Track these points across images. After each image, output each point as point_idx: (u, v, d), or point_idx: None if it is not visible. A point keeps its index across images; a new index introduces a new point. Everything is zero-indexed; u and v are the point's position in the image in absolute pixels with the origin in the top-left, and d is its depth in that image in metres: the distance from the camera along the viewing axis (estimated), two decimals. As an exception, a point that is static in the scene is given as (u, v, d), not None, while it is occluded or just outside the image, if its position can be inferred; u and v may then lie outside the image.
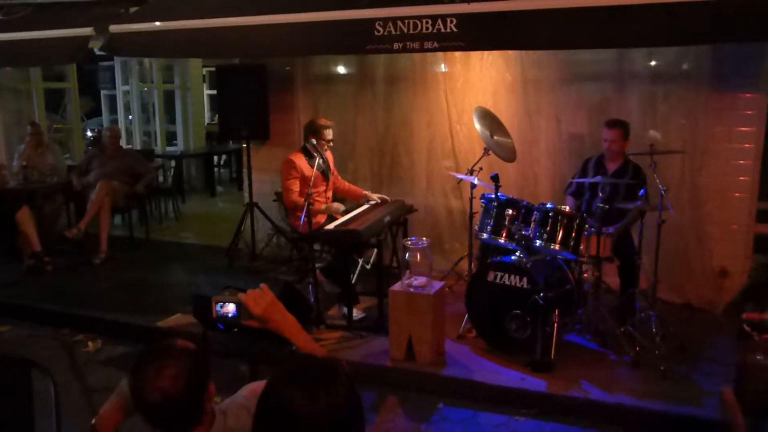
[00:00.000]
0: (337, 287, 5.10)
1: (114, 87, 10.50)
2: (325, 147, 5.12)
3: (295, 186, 5.06)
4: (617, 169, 4.72)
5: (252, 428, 1.43)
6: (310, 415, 1.35)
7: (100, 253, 6.59)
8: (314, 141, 4.98)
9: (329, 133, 5.10)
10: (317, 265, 5.05)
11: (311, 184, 4.68)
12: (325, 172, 5.22)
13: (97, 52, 5.91)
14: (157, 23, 5.38)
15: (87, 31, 5.66)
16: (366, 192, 5.45)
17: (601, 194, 4.39)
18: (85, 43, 5.74)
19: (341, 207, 5.21)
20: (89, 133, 11.57)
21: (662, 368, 4.01)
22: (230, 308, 1.89)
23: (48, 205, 7.17)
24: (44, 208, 7.03)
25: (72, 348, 4.89)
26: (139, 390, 1.61)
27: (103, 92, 11.64)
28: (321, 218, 5.09)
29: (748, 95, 5.02)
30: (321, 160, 4.96)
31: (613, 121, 4.71)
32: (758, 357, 2.79)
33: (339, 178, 5.53)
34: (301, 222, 4.59)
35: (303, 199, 4.72)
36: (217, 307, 1.90)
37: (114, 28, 5.48)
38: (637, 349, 4.19)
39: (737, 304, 4.80)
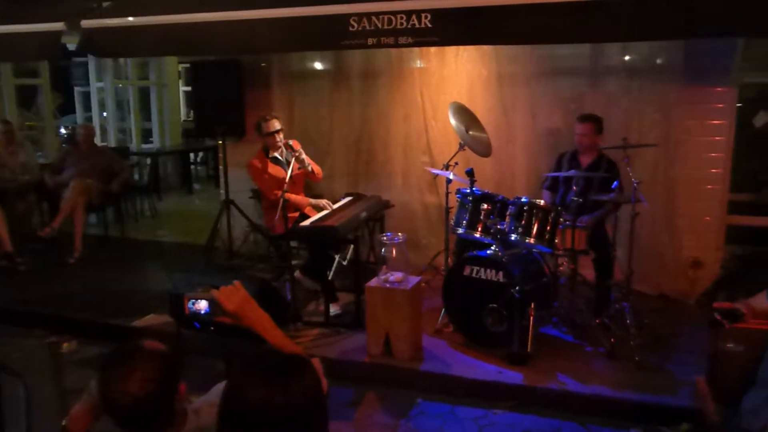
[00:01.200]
0: (316, 284, 5.08)
1: (88, 83, 10.36)
2: (278, 138, 5.04)
3: (270, 183, 5.02)
4: (591, 162, 4.76)
5: (217, 424, 1.43)
6: (265, 405, 1.36)
7: (74, 252, 6.50)
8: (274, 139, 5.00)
9: (272, 125, 5.04)
10: (294, 262, 5.03)
11: (286, 183, 4.65)
12: (284, 167, 5.08)
13: (70, 48, 5.80)
14: (131, 18, 5.31)
15: (58, 26, 5.55)
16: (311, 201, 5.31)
17: (575, 188, 4.43)
18: (57, 39, 5.63)
19: (327, 203, 5.18)
20: (63, 131, 11.40)
21: (637, 359, 4.06)
22: (202, 305, 1.88)
23: (20, 204, 7.05)
24: (16, 207, 6.92)
25: (45, 350, 4.82)
26: (107, 394, 1.58)
27: (76, 89, 11.46)
28: (296, 214, 5.07)
29: (719, 89, 5.11)
30: (288, 152, 4.90)
31: (585, 116, 4.78)
32: (729, 345, 2.84)
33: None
34: (275, 221, 4.54)
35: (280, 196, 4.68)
36: (190, 304, 1.89)
37: (86, 23, 5.39)
38: (612, 340, 4.24)
39: (710, 294, 4.88)
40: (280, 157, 5.16)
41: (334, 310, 4.84)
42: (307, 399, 1.40)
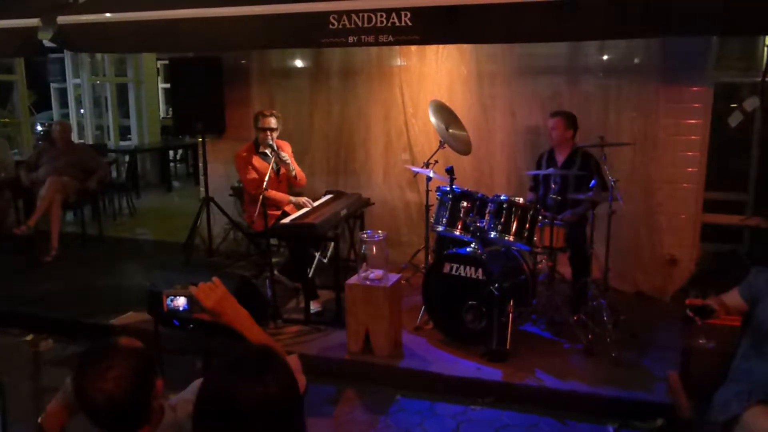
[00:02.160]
0: (296, 283, 5.07)
1: (64, 80, 10.22)
2: (270, 137, 4.99)
3: (254, 176, 5.01)
4: (565, 159, 4.82)
5: (192, 420, 1.43)
6: (237, 400, 1.36)
7: (50, 250, 6.41)
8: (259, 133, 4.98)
9: (268, 122, 5.00)
10: (274, 259, 5.02)
11: (266, 181, 4.62)
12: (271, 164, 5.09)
13: (46, 44, 5.71)
14: (108, 15, 5.26)
15: (33, 22, 5.46)
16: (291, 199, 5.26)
17: (553, 185, 4.47)
18: (33, 35, 5.55)
19: (307, 200, 5.17)
20: (39, 128, 11.24)
21: (614, 355, 4.11)
22: (181, 302, 1.88)
23: (-5, 201, 6.97)
24: (-9, 205, 6.84)
25: (22, 348, 4.76)
26: (82, 393, 1.56)
27: (53, 85, 11.31)
28: (278, 212, 5.05)
29: (695, 88, 5.18)
30: (271, 153, 4.89)
31: (556, 111, 4.90)
32: (700, 341, 2.89)
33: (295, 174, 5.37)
34: (255, 217, 4.52)
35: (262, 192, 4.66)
36: (168, 301, 1.88)
37: (62, 19, 5.32)
38: (590, 337, 4.29)
39: (685, 291, 4.95)
40: (269, 154, 5.13)
41: (314, 307, 4.84)
42: (280, 393, 1.39)
